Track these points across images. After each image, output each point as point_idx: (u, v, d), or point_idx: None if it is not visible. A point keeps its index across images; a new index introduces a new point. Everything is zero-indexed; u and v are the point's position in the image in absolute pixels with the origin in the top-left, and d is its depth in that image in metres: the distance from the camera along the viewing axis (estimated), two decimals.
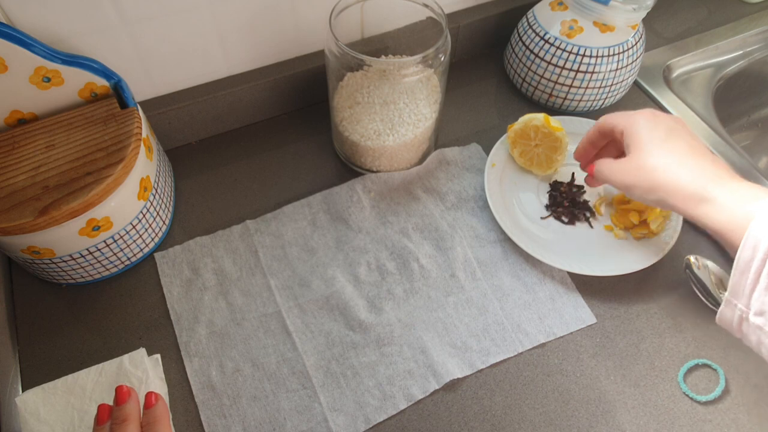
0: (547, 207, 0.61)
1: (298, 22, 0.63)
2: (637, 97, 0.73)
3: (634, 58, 0.65)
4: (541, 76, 0.67)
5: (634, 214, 0.58)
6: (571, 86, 0.66)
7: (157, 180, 0.56)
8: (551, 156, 0.61)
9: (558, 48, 0.64)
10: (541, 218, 0.60)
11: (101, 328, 0.53)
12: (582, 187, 0.62)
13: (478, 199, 0.62)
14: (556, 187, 0.62)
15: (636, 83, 0.74)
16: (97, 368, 0.48)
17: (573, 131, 0.64)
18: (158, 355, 0.51)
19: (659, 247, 0.56)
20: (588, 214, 0.60)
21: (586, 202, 0.61)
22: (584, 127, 0.66)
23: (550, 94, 0.68)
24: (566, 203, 0.60)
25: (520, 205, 0.61)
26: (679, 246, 0.57)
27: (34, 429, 0.45)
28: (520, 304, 0.55)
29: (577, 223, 0.60)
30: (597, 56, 0.63)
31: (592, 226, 0.60)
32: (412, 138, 0.59)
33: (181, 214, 0.61)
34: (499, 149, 0.64)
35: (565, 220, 0.60)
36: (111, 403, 0.47)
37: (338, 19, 0.55)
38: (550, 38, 0.65)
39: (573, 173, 0.63)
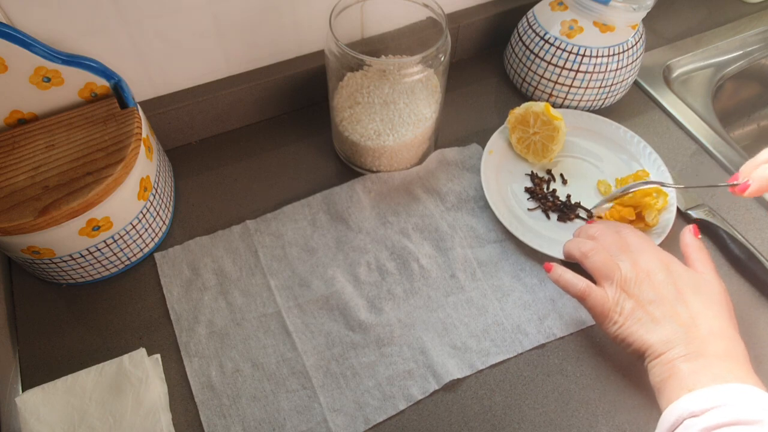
0: (530, 195, 0.61)
1: (298, 22, 0.63)
2: (638, 97, 0.73)
3: (634, 58, 0.65)
4: (541, 76, 0.67)
5: (629, 210, 0.58)
6: (571, 86, 0.66)
7: (157, 180, 0.56)
8: (547, 145, 0.61)
9: (558, 48, 0.64)
10: (528, 209, 0.60)
11: (101, 328, 0.53)
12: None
13: (478, 200, 0.62)
14: (533, 178, 0.63)
15: (636, 83, 0.74)
16: (97, 368, 0.49)
17: (574, 124, 0.65)
18: (158, 355, 0.51)
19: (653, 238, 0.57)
20: (583, 211, 0.60)
21: (578, 203, 0.61)
22: (585, 120, 0.66)
23: (550, 94, 0.68)
24: (550, 202, 0.61)
25: (515, 195, 0.62)
26: (675, 243, 0.57)
27: (34, 429, 0.45)
28: (520, 304, 0.55)
29: (576, 219, 0.60)
30: (597, 56, 0.63)
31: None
32: (412, 138, 0.59)
33: (181, 214, 0.61)
34: (498, 137, 0.64)
35: (553, 216, 0.60)
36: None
37: (338, 19, 0.55)
38: (550, 38, 0.65)
39: (550, 170, 0.64)
